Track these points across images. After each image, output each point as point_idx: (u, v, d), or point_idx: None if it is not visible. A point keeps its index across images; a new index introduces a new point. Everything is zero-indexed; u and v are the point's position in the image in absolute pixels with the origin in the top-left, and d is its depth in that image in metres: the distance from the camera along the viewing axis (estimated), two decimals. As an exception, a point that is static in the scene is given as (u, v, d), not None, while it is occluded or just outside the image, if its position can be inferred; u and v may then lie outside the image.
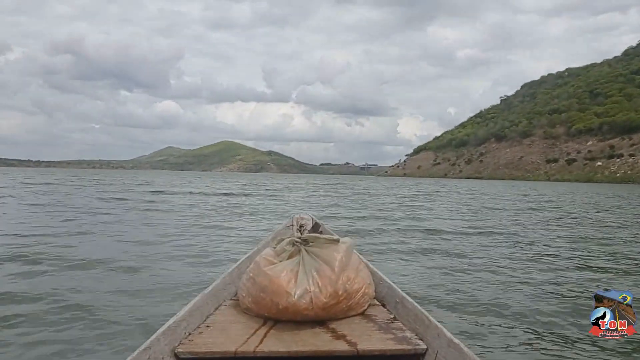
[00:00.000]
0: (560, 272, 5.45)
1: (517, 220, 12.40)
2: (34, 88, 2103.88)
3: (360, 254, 2.41)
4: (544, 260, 6.24)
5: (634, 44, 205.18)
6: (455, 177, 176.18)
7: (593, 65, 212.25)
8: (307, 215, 3.28)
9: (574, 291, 4.54)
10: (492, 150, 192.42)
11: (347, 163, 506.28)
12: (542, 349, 3.03)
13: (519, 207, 18.00)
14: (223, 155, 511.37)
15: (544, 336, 3.27)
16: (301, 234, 2.62)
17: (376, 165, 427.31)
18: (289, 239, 2.15)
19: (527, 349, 3.03)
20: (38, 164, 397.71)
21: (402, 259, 6.13)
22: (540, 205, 19.68)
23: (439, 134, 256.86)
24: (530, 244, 7.84)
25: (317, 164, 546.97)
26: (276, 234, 2.97)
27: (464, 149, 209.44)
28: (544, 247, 7.54)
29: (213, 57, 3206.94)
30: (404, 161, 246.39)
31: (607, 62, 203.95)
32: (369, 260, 2.54)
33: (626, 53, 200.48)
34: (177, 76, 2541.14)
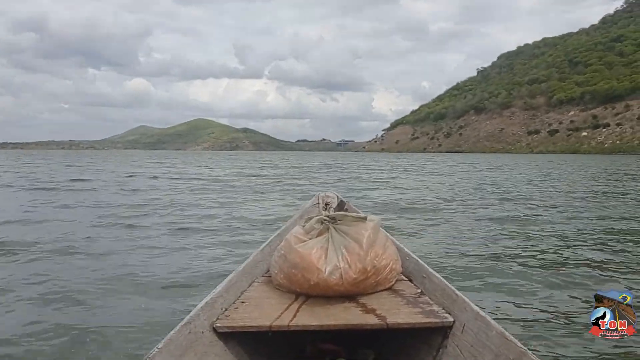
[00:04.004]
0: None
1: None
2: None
3: (386, 231, 2.39)
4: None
5: (612, 11, 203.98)
6: (434, 152, 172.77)
7: (570, 34, 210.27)
8: (332, 194, 3.32)
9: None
10: (472, 123, 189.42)
11: (324, 139, 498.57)
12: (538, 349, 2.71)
13: None
14: (197, 134, 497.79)
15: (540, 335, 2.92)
16: (327, 212, 2.64)
17: (353, 141, 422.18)
18: (317, 217, 2.19)
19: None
20: (5, 145, 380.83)
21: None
22: None
23: (414, 108, 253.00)
24: None
25: (293, 141, 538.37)
26: (303, 213, 3.01)
27: (442, 123, 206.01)
28: None
29: (183, 33, 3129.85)
30: (382, 136, 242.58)
31: (584, 31, 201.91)
32: (395, 237, 2.53)
33: (604, 21, 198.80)
34: (146, 53, 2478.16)
